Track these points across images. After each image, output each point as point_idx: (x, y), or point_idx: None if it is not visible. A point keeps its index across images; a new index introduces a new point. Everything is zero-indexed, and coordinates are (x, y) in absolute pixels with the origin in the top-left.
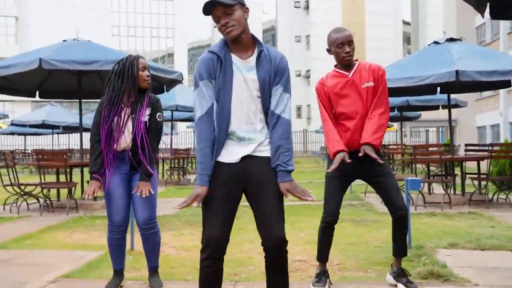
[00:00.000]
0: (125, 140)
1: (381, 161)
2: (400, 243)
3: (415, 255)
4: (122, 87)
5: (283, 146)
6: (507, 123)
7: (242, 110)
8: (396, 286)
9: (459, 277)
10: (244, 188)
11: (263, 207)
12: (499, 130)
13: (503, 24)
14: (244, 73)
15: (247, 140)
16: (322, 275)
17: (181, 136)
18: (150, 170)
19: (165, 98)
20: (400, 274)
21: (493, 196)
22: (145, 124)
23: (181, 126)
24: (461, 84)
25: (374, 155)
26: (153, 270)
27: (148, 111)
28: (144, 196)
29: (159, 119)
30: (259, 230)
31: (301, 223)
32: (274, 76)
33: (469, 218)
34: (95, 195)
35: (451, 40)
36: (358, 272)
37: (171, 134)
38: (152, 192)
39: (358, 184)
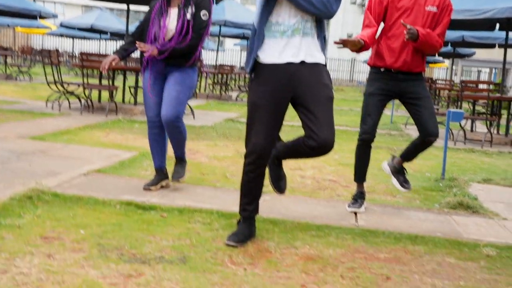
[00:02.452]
0: (167, 37)
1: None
2: (412, 155)
3: (447, 186)
4: None
5: None
6: None
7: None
8: (390, 177)
9: (489, 211)
10: (293, 93)
11: (314, 111)
12: None
13: None
14: None
15: (291, 31)
16: (359, 196)
17: (228, 54)
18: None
19: (213, 13)
20: (400, 171)
21: None
22: (188, 23)
23: (228, 43)
24: None
25: (410, 28)
26: (178, 159)
27: (191, 9)
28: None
29: (203, 18)
30: (307, 131)
31: (336, 145)
32: None
33: (509, 158)
34: (106, 68)
35: None
36: (387, 196)
37: (217, 50)
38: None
39: (399, 115)
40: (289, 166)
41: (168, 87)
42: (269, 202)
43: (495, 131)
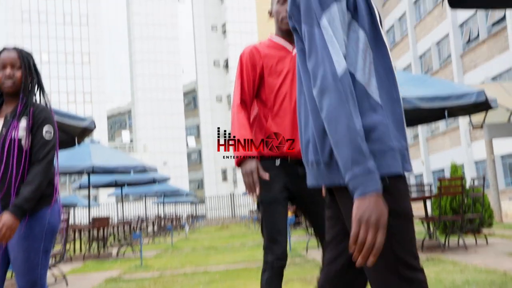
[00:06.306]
0: None
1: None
2: None
3: None
4: None
5: None
6: (429, 171)
7: None
8: None
9: None
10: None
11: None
12: (422, 179)
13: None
14: None
15: None
16: None
17: (103, 209)
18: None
19: (77, 158)
20: None
21: (445, 240)
22: (19, 143)
23: (102, 195)
24: None
25: None
26: None
27: (23, 123)
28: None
29: (46, 137)
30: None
31: (241, 287)
32: None
33: (430, 265)
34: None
35: None
36: None
37: (89, 206)
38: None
39: (297, 241)
40: None
41: (12, 246)
42: None
43: None
